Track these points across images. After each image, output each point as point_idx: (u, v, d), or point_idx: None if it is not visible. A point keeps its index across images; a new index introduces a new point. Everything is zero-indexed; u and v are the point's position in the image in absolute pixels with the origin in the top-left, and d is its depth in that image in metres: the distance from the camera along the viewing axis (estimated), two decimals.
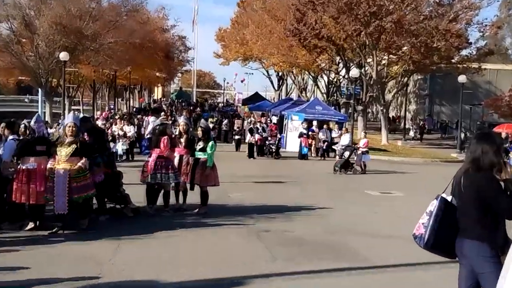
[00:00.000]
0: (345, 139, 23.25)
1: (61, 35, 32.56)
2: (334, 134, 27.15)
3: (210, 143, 11.03)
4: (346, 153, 20.60)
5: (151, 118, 30.18)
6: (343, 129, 24.50)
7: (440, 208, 4.66)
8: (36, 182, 8.86)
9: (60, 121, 30.03)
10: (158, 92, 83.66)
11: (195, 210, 11.13)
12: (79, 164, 8.81)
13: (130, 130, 22.91)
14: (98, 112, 41.40)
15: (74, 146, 8.87)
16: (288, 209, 12.11)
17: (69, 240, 8.57)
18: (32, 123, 9.39)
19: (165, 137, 10.85)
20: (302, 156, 25.57)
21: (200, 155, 11.08)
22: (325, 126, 27.61)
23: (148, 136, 16.83)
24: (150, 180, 10.64)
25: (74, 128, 8.96)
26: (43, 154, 9.09)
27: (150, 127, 12.60)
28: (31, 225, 9.06)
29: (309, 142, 26.70)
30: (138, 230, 9.36)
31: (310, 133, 26.86)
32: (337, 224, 10.74)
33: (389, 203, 13.67)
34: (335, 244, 8.97)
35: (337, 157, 22.47)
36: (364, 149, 20.97)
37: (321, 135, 26.81)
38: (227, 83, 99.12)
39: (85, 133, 10.05)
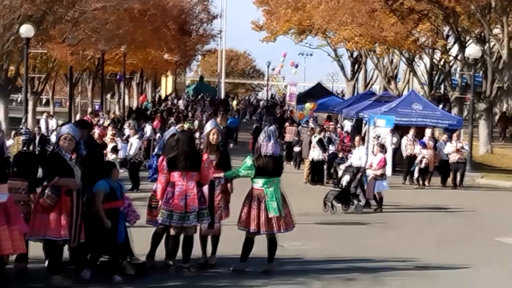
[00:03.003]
0: (358, 155, 20.82)
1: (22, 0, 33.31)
2: (448, 148, 26.58)
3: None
4: (345, 178, 19.49)
5: (148, 127, 30.70)
6: (356, 138, 22.82)
7: None
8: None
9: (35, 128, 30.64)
10: (167, 85, 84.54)
11: (230, 268, 11.29)
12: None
13: (133, 144, 23.28)
14: (78, 116, 42.21)
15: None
16: (375, 267, 12.08)
17: None
18: None
19: (205, 154, 11.19)
20: None
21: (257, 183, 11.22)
22: (429, 133, 27.11)
23: (156, 153, 16.99)
24: (176, 220, 10.77)
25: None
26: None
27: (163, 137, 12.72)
28: None
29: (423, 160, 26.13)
30: None
31: (419, 148, 26.26)
32: None
33: None
34: None
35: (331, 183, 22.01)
36: (379, 172, 20.01)
37: (420, 149, 26.42)
38: (272, 69, 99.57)
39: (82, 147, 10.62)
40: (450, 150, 26.24)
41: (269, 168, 11.10)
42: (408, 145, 26.90)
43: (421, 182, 26.01)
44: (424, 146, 26.22)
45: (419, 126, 28.69)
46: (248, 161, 11.18)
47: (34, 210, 10.04)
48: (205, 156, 11.11)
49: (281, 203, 11.12)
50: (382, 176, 20.03)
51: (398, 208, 20.24)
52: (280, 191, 11.23)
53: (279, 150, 11.60)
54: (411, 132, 27.25)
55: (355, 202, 19.21)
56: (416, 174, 26.25)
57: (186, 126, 13.51)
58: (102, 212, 10.46)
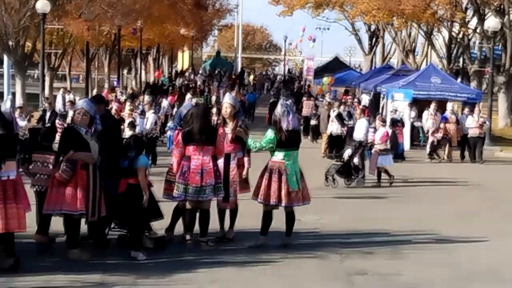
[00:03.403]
0: (358, 128, 20.44)
1: None
2: (469, 122, 26.25)
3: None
4: (347, 152, 19.02)
5: (165, 102, 30.71)
6: (357, 110, 22.38)
7: None
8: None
9: (45, 104, 30.71)
10: (184, 60, 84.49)
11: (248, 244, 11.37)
12: None
13: (149, 119, 23.31)
14: (95, 91, 42.23)
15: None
16: (393, 240, 12.17)
17: None
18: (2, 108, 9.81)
19: (220, 128, 11.27)
20: (399, 156, 24.77)
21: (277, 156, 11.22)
22: (450, 107, 26.88)
23: (171, 126, 16.96)
24: (191, 194, 10.82)
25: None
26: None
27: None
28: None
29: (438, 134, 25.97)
30: (166, 272, 9.70)
31: (431, 122, 26.12)
32: (472, 265, 10.72)
33: None
34: None
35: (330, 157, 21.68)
36: (382, 147, 19.60)
37: (432, 123, 26.26)
38: (289, 44, 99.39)
39: (98, 122, 10.63)
40: (473, 124, 25.94)
41: (291, 142, 11.15)
42: (429, 119, 26.75)
43: (435, 156, 25.87)
44: (446, 120, 26.04)
45: (438, 99, 28.55)
46: (270, 133, 11.21)
47: (51, 184, 10.11)
48: (220, 130, 11.15)
49: (299, 176, 11.18)
50: (386, 151, 19.74)
51: (415, 182, 20.21)
52: (298, 164, 11.28)
53: (297, 123, 11.66)
54: (433, 105, 27.01)
55: (357, 176, 18.99)
56: (428, 149, 26.10)
57: (194, 100, 13.46)
58: (147, 187, 10.63)
